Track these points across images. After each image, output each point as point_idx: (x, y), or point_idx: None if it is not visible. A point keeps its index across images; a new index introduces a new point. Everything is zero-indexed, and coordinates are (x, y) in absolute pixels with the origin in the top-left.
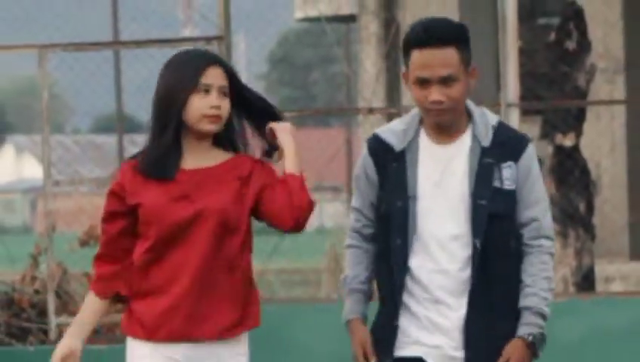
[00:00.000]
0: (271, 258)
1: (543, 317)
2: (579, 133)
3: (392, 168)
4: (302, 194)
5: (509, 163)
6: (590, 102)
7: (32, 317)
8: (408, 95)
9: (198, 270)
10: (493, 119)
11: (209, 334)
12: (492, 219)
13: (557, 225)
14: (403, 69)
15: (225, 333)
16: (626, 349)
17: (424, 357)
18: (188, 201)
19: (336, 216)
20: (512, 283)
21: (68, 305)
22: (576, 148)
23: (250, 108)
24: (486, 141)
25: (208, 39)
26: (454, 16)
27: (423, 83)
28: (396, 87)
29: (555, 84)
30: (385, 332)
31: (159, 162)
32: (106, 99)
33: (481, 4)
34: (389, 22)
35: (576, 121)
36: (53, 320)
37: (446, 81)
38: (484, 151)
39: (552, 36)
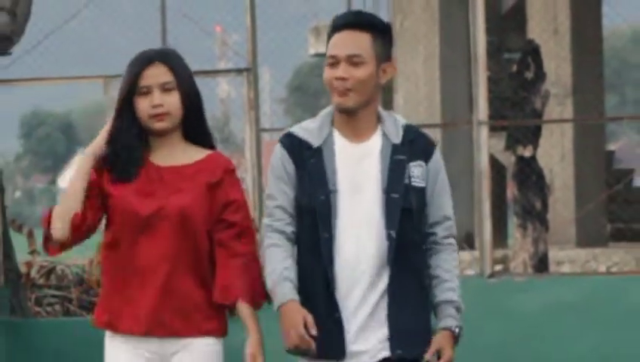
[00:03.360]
0: None
1: (460, 310)
2: (536, 146)
3: (310, 163)
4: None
5: (419, 162)
6: (545, 121)
7: (99, 293)
8: (400, 115)
9: (160, 266)
10: (401, 120)
11: (170, 331)
12: (404, 213)
13: (518, 220)
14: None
15: (179, 332)
16: (575, 318)
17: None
18: (152, 198)
19: None
20: (420, 275)
21: None
22: (533, 157)
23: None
24: (396, 139)
25: (239, 70)
26: (437, 51)
27: (333, 63)
28: (389, 108)
29: (517, 106)
30: (326, 325)
31: (121, 163)
32: None
33: (457, 42)
34: None
35: (533, 136)
36: None
37: (353, 61)
38: (395, 149)
39: (514, 68)
